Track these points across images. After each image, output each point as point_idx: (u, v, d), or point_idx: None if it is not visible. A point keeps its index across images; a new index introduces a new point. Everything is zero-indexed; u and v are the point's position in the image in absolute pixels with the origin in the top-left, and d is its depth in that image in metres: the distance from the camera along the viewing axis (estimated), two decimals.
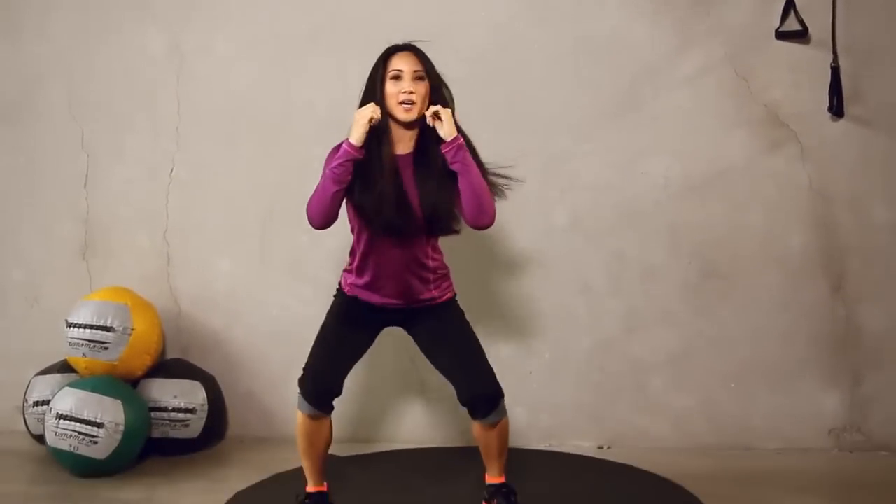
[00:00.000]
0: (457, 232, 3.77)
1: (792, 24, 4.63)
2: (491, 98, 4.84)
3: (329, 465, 3.85)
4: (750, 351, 4.69)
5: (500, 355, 4.75)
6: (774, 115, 4.68)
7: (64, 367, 4.84)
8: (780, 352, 4.67)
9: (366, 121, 3.57)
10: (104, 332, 4.67)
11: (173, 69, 5.12)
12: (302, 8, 5.00)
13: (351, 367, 3.83)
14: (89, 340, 4.66)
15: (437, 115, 3.59)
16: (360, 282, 3.75)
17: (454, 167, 3.58)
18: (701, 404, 4.72)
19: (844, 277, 4.64)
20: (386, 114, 3.63)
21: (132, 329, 4.71)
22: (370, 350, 3.90)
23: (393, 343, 4.66)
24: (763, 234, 4.69)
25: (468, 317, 3.83)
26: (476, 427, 3.75)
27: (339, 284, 3.86)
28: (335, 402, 3.79)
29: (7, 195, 5.27)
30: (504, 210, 4.74)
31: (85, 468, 4.41)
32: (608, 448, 4.77)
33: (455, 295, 3.88)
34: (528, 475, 4.15)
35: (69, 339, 4.70)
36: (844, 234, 4.65)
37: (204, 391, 4.79)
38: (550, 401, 4.82)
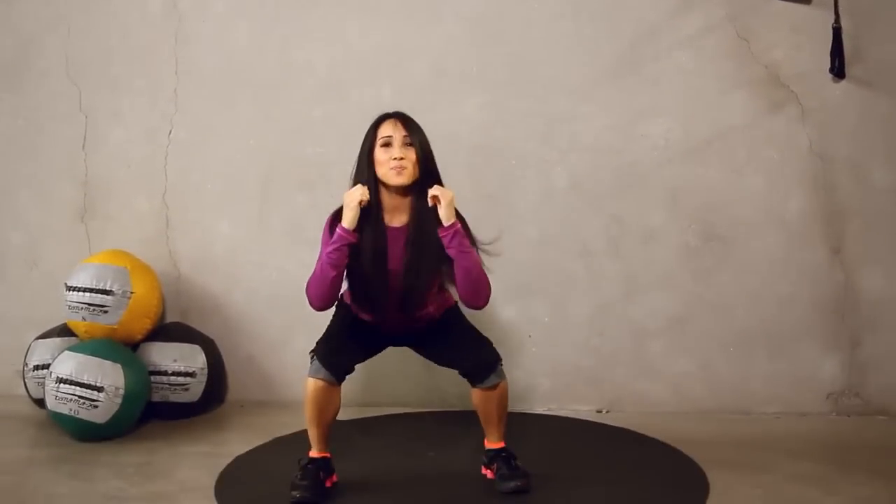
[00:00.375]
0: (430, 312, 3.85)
1: None
2: (491, 59, 4.82)
3: None
4: (749, 315, 4.68)
5: (499, 319, 4.77)
6: (775, 77, 4.65)
7: (64, 331, 4.85)
8: (778, 316, 4.66)
9: (356, 203, 3.64)
10: (104, 296, 4.66)
11: (171, 29, 5.08)
12: None
13: (362, 358, 3.90)
14: (89, 304, 4.66)
15: (437, 198, 3.63)
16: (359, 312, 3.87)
17: (450, 252, 3.63)
18: (700, 369, 4.72)
19: (844, 241, 4.62)
20: (378, 184, 3.70)
21: (132, 292, 4.71)
22: None
23: None
24: (763, 197, 4.67)
25: None
26: (475, 394, 3.76)
27: (342, 296, 3.88)
28: None
29: (5, 158, 5.26)
30: (503, 171, 4.77)
31: (85, 432, 4.41)
32: (607, 412, 4.77)
33: (456, 302, 3.91)
34: (527, 439, 4.15)
35: (69, 303, 4.70)
36: (844, 197, 4.62)
37: (203, 355, 4.80)
38: (549, 365, 4.82)
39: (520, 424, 4.34)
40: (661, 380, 4.76)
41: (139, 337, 4.79)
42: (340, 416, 3.75)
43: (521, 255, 4.78)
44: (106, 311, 4.66)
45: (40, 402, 4.69)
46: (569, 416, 4.72)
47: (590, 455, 4.19)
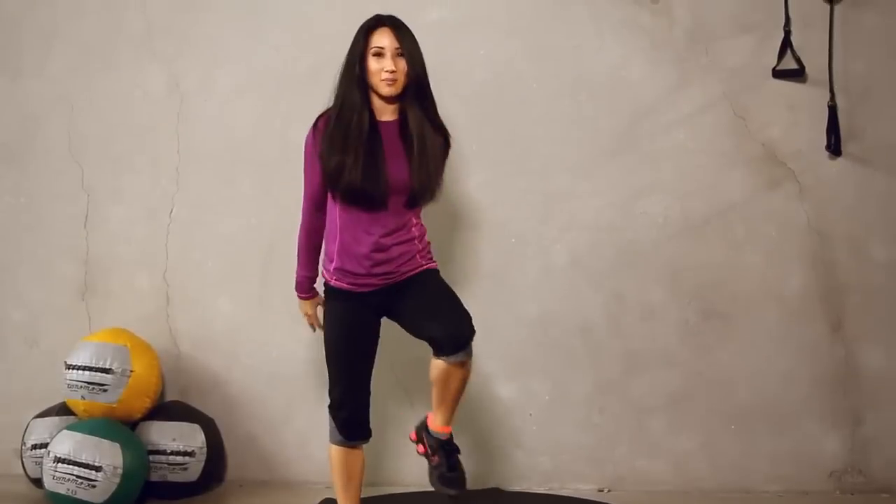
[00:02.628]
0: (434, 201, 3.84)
1: (789, 63, 4.63)
2: (490, 136, 4.84)
3: None
4: (750, 392, 4.67)
5: (499, 397, 4.76)
6: (772, 154, 4.68)
7: (62, 410, 4.82)
8: (780, 392, 4.66)
9: (303, 315, 4.08)
10: (103, 374, 4.65)
11: (173, 107, 5.10)
12: (301, 46, 5.00)
13: (369, 375, 3.82)
14: (88, 382, 4.65)
15: None
16: (342, 264, 3.78)
17: None
18: (701, 446, 4.70)
19: (843, 316, 4.63)
20: (369, 86, 3.72)
21: (131, 371, 4.69)
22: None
23: (393, 385, 4.67)
24: (762, 274, 4.68)
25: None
26: (437, 366, 3.68)
27: (324, 278, 3.88)
28: None
29: (7, 235, 5.25)
30: (503, 249, 4.77)
31: None
32: (608, 491, 4.74)
33: (437, 269, 3.87)
34: None
35: (68, 381, 4.68)
36: (843, 273, 4.64)
37: (203, 434, 4.76)
38: (550, 443, 4.79)
39: None
40: (663, 458, 4.73)
41: (138, 416, 4.77)
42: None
43: (521, 332, 4.79)
44: (105, 390, 4.64)
45: (38, 482, 4.66)
46: (570, 495, 4.68)
47: None
